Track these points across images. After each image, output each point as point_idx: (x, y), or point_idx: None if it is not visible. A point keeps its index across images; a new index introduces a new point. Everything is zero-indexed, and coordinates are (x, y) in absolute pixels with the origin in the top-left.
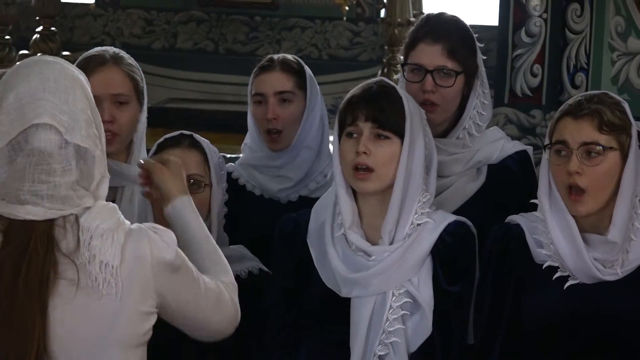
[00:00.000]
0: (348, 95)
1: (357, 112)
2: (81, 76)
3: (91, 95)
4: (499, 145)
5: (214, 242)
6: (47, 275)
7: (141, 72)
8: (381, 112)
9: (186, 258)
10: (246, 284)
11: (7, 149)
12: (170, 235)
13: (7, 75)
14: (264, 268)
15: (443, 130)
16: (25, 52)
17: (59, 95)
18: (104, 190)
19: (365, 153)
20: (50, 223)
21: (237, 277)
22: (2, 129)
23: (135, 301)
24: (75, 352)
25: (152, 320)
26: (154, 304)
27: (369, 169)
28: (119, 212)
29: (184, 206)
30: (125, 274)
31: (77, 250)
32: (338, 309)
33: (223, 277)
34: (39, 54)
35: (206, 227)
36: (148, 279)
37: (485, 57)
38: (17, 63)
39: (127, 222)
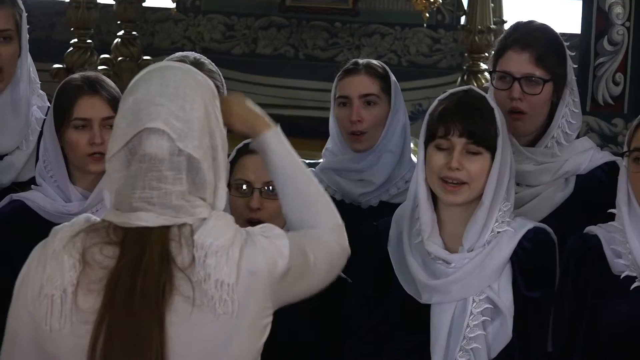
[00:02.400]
0: (438, 105)
1: (450, 126)
2: (207, 87)
3: (217, 104)
4: (588, 155)
5: (311, 175)
6: (163, 287)
7: (222, 77)
8: (475, 127)
9: (296, 242)
10: (324, 291)
11: (124, 153)
12: (281, 239)
13: (134, 80)
14: (342, 275)
15: (532, 139)
16: (107, 56)
17: (175, 102)
18: (222, 201)
19: (458, 169)
20: (165, 235)
21: None
22: (119, 133)
23: (253, 317)
24: None
25: (268, 331)
26: (271, 312)
27: (460, 182)
28: (234, 223)
29: (271, 139)
30: (241, 291)
31: (192, 266)
32: (418, 316)
33: (326, 221)
34: (119, 58)
35: (297, 157)
36: (264, 292)
37: (575, 66)
38: (146, 67)
39: (242, 231)
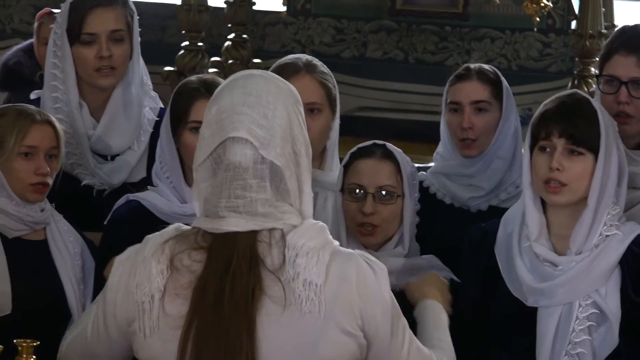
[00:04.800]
0: (542, 109)
1: (551, 127)
2: (290, 95)
3: (299, 109)
4: None
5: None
6: (253, 291)
7: (334, 79)
8: (575, 128)
9: (396, 304)
10: None
11: (210, 162)
12: (382, 272)
13: (218, 89)
14: (455, 278)
15: (638, 142)
16: (217, 59)
17: (258, 110)
18: (309, 207)
19: (558, 169)
20: (253, 238)
21: None
22: (204, 142)
23: (339, 320)
24: None
25: (359, 342)
26: (358, 327)
27: (561, 184)
28: (328, 232)
29: (432, 307)
30: (329, 293)
31: (282, 266)
32: (524, 319)
33: (442, 355)
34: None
35: (447, 331)
36: (353, 299)
37: None
38: (230, 76)
39: (337, 243)
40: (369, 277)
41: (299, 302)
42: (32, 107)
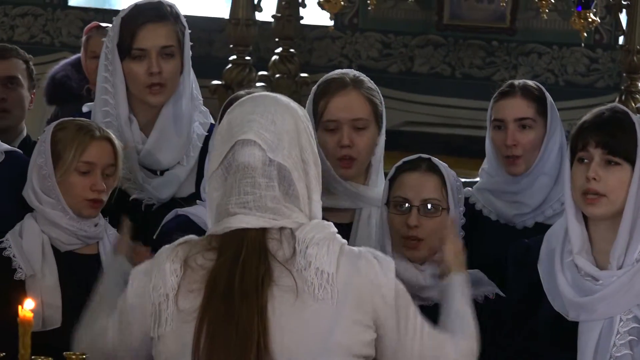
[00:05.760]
0: (580, 121)
1: (588, 137)
2: (299, 110)
3: (308, 128)
4: None
5: (472, 313)
6: (262, 280)
7: (380, 95)
8: (612, 138)
9: (408, 295)
10: (483, 309)
11: (221, 170)
12: (389, 265)
13: (230, 108)
14: (500, 293)
15: None
16: (264, 72)
17: (266, 117)
18: (318, 214)
19: (594, 179)
20: (262, 234)
21: (474, 301)
22: (216, 153)
23: (351, 309)
24: (297, 356)
25: (371, 334)
26: (370, 319)
27: (598, 194)
28: (335, 228)
29: (458, 283)
30: (340, 282)
31: (292, 258)
32: (566, 334)
33: (461, 339)
34: (276, 75)
35: (470, 309)
36: (363, 291)
37: None
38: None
39: (344, 241)
40: (377, 270)
41: (311, 290)
42: (92, 122)
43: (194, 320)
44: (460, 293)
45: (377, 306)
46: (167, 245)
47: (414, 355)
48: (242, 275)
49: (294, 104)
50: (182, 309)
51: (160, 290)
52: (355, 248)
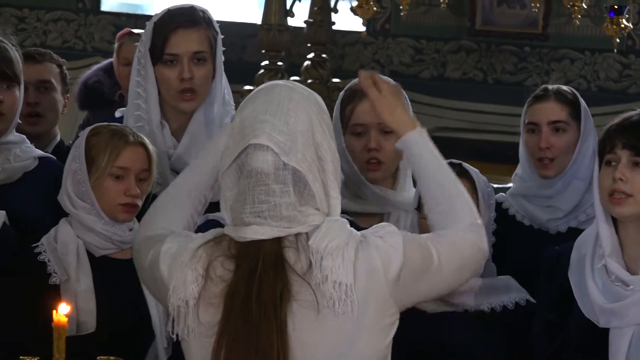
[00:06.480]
0: (607, 125)
1: (615, 140)
2: (313, 103)
3: (324, 118)
4: None
5: (451, 173)
6: (280, 295)
7: (408, 101)
8: (639, 140)
9: (414, 240)
10: (513, 315)
11: (233, 169)
12: (394, 237)
13: (244, 100)
14: (531, 299)
15: None
16: (296, 78)
17: (279, 117)
18: (336, 211)
19: (621, 180)
20: (278, 244)
21: (505, 308)
22: (228, 152)
23: (375, 316)
24: None
25: (394, 330)
26: (395, 311)
27: (625, 194)
28: (348, 225)
29: (415, 141)
30: (360, 291)
31: (310, 271)
32: (597, 341)
33: (465, 217)
34: (308, 80)
35: (439, 156)
36: (383, 291)
37: None
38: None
39: (357, 233)
40: (390, 254)
41: (331, 304)
42: (126, 127)
43: (214, 335)
44: (426, 151)
45: (396, 293)
46: (193, 240)
47: (451, 271)
48: (259, 290)
49: (308, 95)
50: (203, 322)
51: (180, 294)
52: (363, 238)
